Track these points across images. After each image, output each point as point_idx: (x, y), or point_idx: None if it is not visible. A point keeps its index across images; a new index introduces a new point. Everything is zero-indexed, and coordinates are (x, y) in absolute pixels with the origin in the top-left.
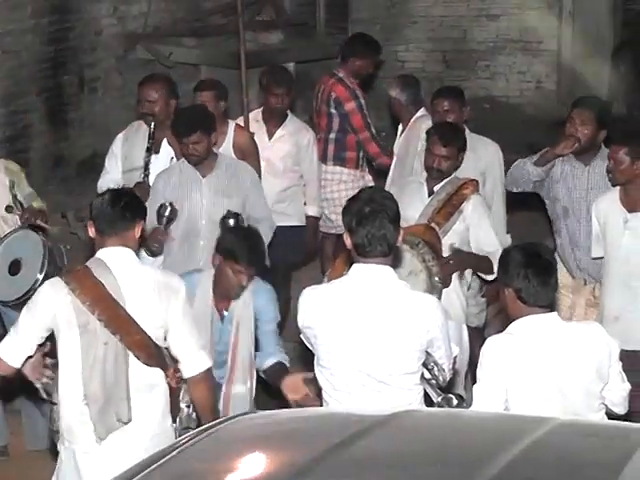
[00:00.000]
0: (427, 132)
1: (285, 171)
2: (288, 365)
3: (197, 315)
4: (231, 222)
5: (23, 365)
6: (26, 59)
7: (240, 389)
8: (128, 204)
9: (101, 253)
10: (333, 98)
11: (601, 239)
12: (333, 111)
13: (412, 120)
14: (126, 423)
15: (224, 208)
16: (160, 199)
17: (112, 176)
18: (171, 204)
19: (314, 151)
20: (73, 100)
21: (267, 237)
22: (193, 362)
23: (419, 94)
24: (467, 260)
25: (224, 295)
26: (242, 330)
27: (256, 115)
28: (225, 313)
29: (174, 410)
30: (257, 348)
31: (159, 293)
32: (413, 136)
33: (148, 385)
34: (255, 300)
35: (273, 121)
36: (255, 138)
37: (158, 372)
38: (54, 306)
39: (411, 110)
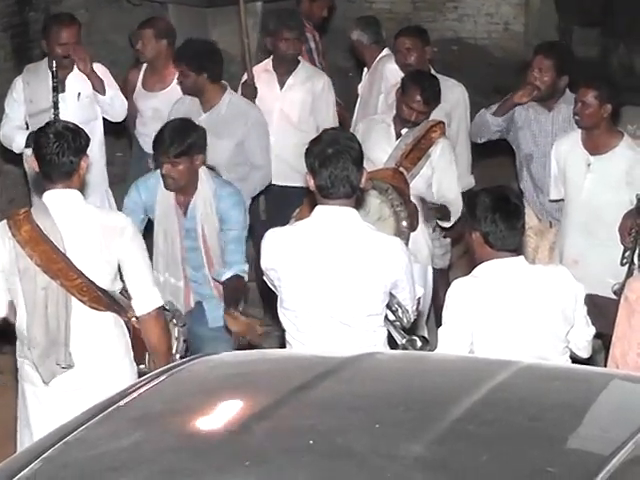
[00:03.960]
0: (403, 80)
1: (300, 122)
2: (246, 276)
3: (161, 213)
4: None
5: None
6: None
7: (221, 271)
8: (73, 146)
9: (45, 196)
10: None
11: (560, 181)
12: None
13: (376, 60)
14: (65, 368)
15: (216, 151)
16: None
17: (17, 122)
18: None
19: (330, 98)
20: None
21: (256, 187)
22: (144, 299)
23: (381, 34)
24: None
25: (178, 190)
26: (207, 229)
27: (265, 65)
28: (189, 212)
29: (139, 353)
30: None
31: (103, 235)
32: (376, 76)
33: (97, 329)
34: (218, 204)
35: (283, 69)
36: (265, 89)
37: (109, 316)
38: (2, 251)
39: (374, 50)
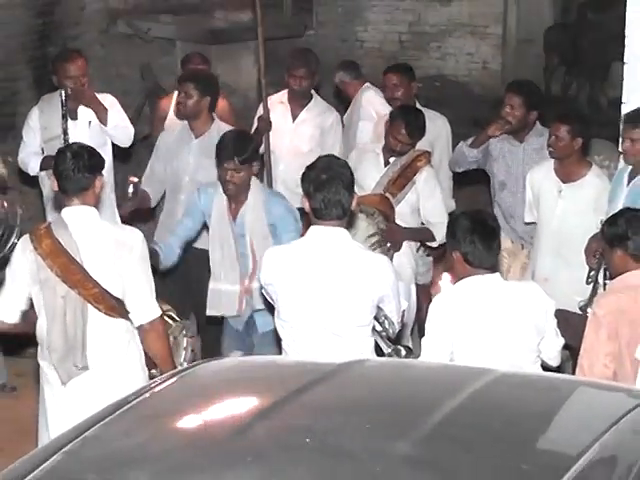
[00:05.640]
0: (391, 113)
1: (309, 153)
2: None
3: (216, 220)
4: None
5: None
6: (15, 31)
7: (257, 285)
8: (88, 164)
9: (64, 212)
10: None
11: (533, 206)
12: None
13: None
14: (82, 369)
15: (208, 170)
16: (160, 155)
17: (32, 149)
18: (136, 182)
19: (337, 133)
20: None
21: None
22: (142, 311)
23: (360, 72)
24: (409, 234)
25: (231, 198)
26: (255, 236)
27: (281, 96)
28: (238, 219)
29: (151, 358)
30: None
31: (115, 248)
32: (357, 106)
33: (112, 335)
34: (270, 210)
35: (297, 103)
36: (279, 120)
37: (122, 322)
38: (24, 262)
39: (356, 85)
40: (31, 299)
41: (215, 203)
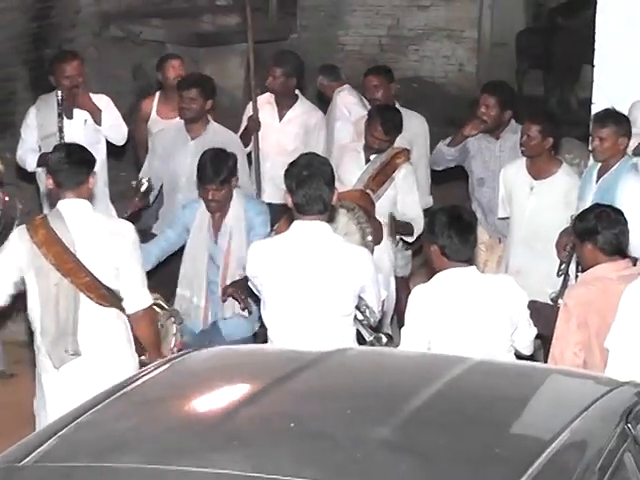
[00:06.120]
0: (369, 112)
1: (295, 151)
2: None
3: (196, 233)
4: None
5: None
6: (12, 34)
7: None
8: (81, 160)
9: (60, 205)
10: None
11: (506, 202)
12: None
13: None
14: (73, 355)
15: None
16: (156, 155)
17: (30, 146)
18: (149, 180)
19: (321, 132)
20: None
21: None
22: (134, 299)
23: (339, 75)
24: (395, 227)
25: (214, 214)
26: (234, 238)
27: (269, 97)
28: (222, 228)
29: (141, 345)
30: None
31: (109, 239)
32: (334, 105)
33: (102, 322)
34: (246, 214)
35: (283, 103)
36: (267, 119)
37: (113, 311)
38: (18, 251)
39: (334, 86)
40: (18, 284)
41: (198, 214)
